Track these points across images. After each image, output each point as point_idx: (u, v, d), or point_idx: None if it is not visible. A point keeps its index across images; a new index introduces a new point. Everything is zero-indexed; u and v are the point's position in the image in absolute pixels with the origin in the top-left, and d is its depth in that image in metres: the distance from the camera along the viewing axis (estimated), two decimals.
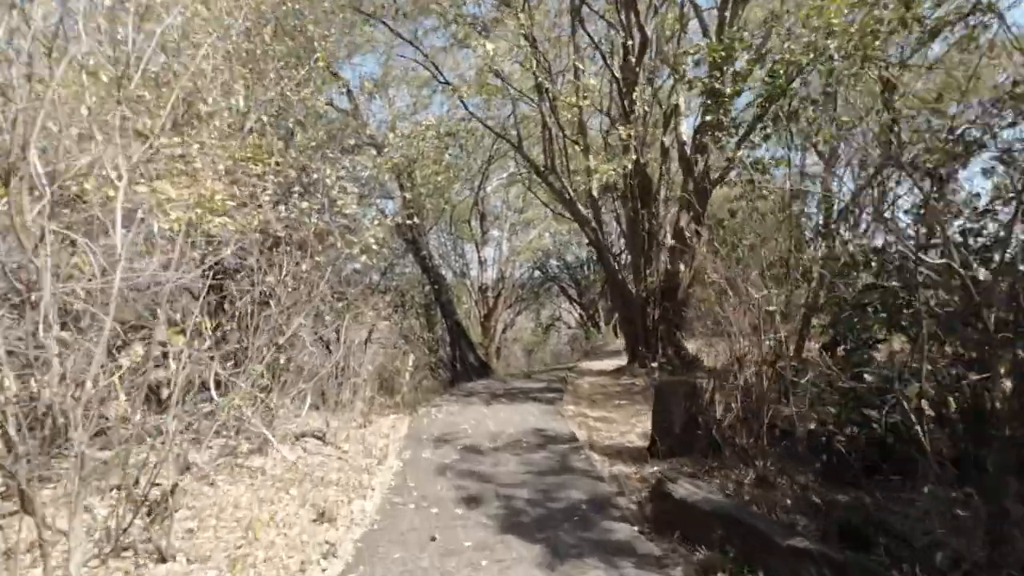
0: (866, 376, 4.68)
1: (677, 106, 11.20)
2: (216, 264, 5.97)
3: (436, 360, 14.50)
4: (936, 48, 10.11)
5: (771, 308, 4.82)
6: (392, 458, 5.71)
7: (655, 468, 5.28)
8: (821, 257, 6.41)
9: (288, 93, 5.24)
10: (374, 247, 7.16)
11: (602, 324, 22.39)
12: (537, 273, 24.39)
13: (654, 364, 10.68)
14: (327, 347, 7.44)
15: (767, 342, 4.72)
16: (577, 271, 24.51)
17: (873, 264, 4.65)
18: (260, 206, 5.45)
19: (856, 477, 4.70)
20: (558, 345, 24.69)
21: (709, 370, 5.56)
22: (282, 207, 5.48)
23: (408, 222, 10.01)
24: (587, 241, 21.81)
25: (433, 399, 9.28)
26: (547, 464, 5.44)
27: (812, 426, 4.98)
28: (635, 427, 7.06)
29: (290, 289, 5.32)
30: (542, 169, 11.46)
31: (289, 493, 4.64)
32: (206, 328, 3.08)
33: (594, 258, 22.37)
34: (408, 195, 10.87)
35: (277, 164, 6.35)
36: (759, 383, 4.64)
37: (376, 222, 7.26)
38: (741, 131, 8.79)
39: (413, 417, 7.71)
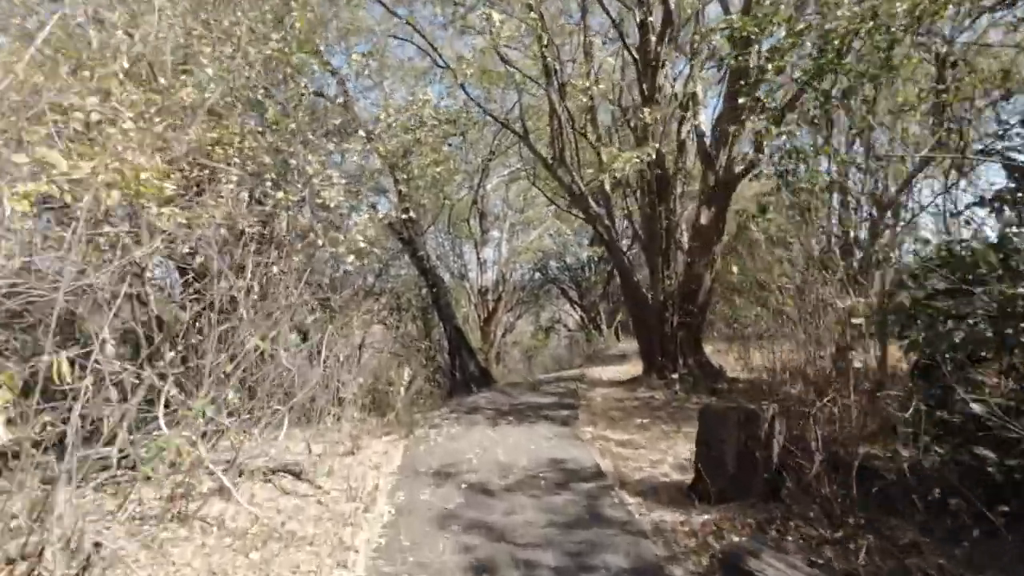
0: (974, 407, 3.75)
1: (695, 94, 10.27)
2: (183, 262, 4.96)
3: (434, 368, 13.46)
4: (983, 25, 9.21)
5: (858, 320, 3.85)
6: (382, 501, 4.69)
7: (706, 516, 4.28)
8: (890, 252, 5.43)
9: (250, 48, 4.23)
10: (363, 246, 6.15)
11: (603, 327, 21.41)
12: (537, 275, 23.45)
13: (674, 375, 9.69)
14: (310, 361, 6.42)
15: (855, 363, 3.74)
16: (578, 273, 23.58)
17: (995, 264, 3.67)
18: (220, 195, 4.44)
19: (961, 531, 3.77)
20: (558, 349, 23.72)
21: (781, 396, 4.57)
22: (245, 194, 4.46)
23: (404, 216, 8.99)
24: (589, 242, 20.93)
25: (431, 416, 8.27)
26: (573, 511, 4.43)
27: (905, 466, 4.04)
28: (666, 454, 6.06)
29: (256, 297, 4.31)
30: (550, 162, 10.47)
31: (249, 557, 3.63)
32: (69, 373, 2.07)
33: (595, 259, 21.45)
34: (404, 188, 9.84)
35: (251, 149, 5.35)
36: (848, 415, 3.66)
37: (367, 216, 6.25)
38: (775, 115, 7.83)
39: (409, 440, 6.70)
